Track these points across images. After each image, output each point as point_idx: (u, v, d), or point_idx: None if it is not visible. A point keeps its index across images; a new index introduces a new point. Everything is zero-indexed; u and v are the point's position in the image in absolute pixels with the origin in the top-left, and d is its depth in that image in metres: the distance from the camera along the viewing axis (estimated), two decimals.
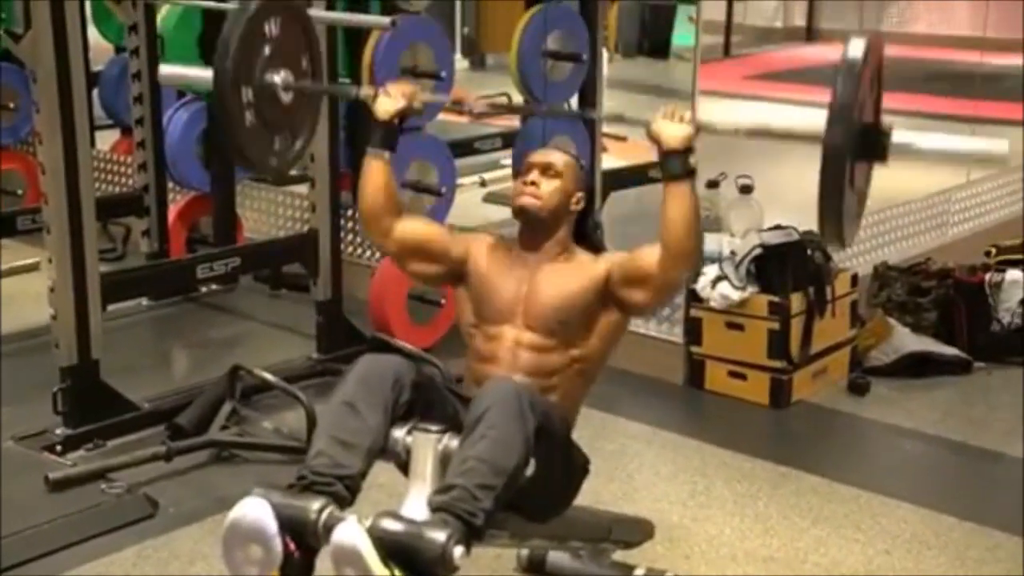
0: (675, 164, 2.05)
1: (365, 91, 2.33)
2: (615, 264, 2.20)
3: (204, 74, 2.31)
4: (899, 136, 1.84)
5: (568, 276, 2.22)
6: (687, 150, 2.04)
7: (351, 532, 1.82)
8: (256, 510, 1.88)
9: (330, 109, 3.75)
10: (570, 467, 2.19)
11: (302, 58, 2.37)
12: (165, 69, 2.51)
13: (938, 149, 1.88)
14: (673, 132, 2.04)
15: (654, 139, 2.06)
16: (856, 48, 1.81)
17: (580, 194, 2.27)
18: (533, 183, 2.23)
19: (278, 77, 2.29)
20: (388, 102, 2.24)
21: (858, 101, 1.80)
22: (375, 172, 2.26)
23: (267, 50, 2.26)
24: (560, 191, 2.23)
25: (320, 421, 2.10)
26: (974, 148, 1.89)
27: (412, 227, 2.31)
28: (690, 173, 2.06)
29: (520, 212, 2.24)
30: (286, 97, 2.32)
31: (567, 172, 2.25)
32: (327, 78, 3.68)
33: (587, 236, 2.32)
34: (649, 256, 2.13)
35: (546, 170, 2.24)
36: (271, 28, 2.27)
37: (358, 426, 2.02)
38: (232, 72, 2.20)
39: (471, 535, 1.88)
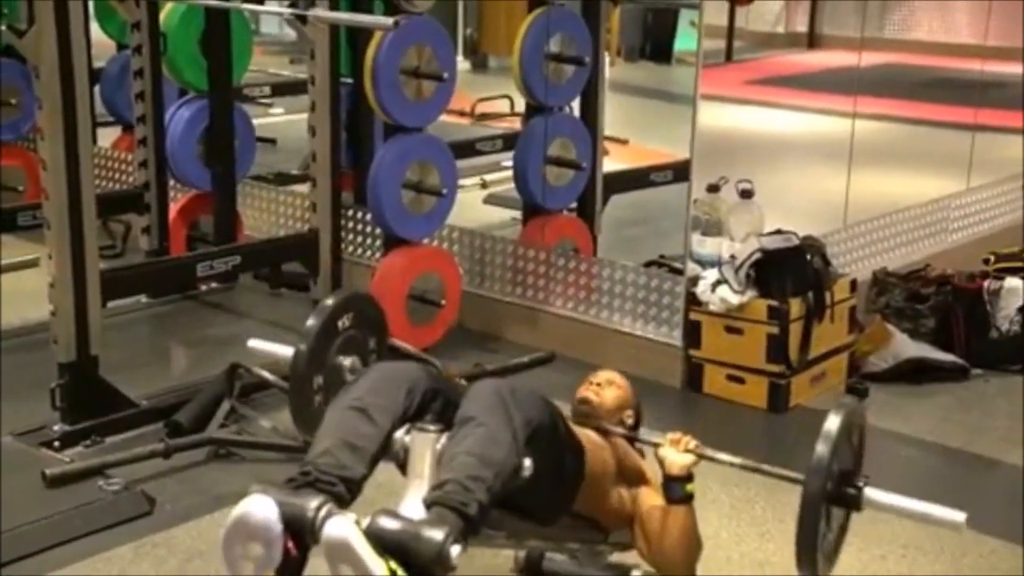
0: (675, 489, 2.23)
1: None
2: (649, 487, 2.35)
3: (288, 352, 2.50)
4: (872, 492, 2.08)
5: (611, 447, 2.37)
6: (687, 477, 2.22)
7: (340, 526, 1.83)
8: (264, 509, 1.88)
9: (332, 108, 3.76)
10: (563, 470, 2.20)
11: (369, 340, 2.56)
12: (254, 343, 2.73)
13: (903, 508, 2.09)
14: (676, 459, 2.23)
15: (659, 461, 2.25)
16: (833, 423, 2.03)
17: (630, 411, 2.47)
18: (599, 384, 2.45)
19: (347, 361, 2.47)
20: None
21: (834, 467, 2.03)
22: None
23: (340, 340, 2.48)
24: (618, 399, 2.45)
25: (327, 419, 2.11)
26: (933, 513, 2.08)
27: None
28: (688, 498, 2.23)
29: (581, 402, 2.42)
30: (351, 378, 2.48)
31: (625, 389, 2.48)
32: (330, 77, 3.72)
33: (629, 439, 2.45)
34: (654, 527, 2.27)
35: (609, 383, 2.46)
36: (345, 321, 2.48)
37: (368, 431, 2.04)
38: (308, 357, 2.41)
39: (467, 528, 1.88)
